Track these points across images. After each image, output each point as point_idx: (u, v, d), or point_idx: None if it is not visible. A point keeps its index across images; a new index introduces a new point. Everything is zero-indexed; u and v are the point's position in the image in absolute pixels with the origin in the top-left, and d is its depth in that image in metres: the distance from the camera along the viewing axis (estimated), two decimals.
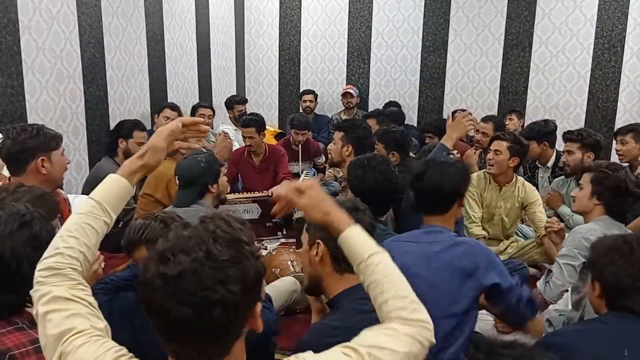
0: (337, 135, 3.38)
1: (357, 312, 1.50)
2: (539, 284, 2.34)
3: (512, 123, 5.50)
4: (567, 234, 2.53)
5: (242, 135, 4.44)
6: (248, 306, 0.97)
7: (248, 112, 5.35)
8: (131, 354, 1.06)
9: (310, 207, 1.39)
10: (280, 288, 2.71)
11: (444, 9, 6.49)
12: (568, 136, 3.71)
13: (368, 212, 1.75)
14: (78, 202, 3.13)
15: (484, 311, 2.05)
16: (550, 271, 2.32)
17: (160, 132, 1.42)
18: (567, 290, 2.36)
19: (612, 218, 2.36)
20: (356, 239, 1.32)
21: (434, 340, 1.18)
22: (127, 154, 3.83)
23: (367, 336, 1.11)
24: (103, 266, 1.90)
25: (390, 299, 1.21)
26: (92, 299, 1.15)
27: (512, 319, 1.98)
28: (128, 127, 3.80)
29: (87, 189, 3.68)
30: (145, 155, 1.38)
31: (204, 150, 3.32)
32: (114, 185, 1.32)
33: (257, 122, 4.36)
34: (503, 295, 1.86)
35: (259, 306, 1.00)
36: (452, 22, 6.49)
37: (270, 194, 3.97)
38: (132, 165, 1.36)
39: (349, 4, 6.70)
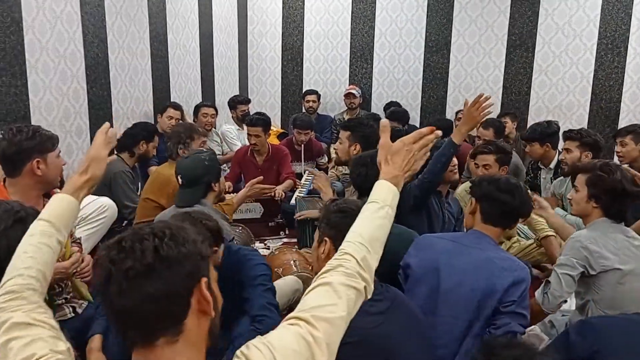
0: (344, 134, 3.37)
1: (365, 314, 1.50)
2: (537, 294, 2.28)
3: (507, 126, 5.45)
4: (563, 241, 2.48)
5: (248, 134, 4.44)
6: (190, 272, 1.01)
7: (251, 112, 5.37)
8: None
9: (384, 149, 1.46)
10: (282, 287, 2.71)
11: (447, 10, 6.50)
12: (567, 134, 3.69)
13: None
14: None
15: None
16: (548, 282, 2.27)
17: (97, 144, 1.52)
18: (565, 301, 2.32)
19: (610, 219, 2.33)
20: (377, 188, 1.40)
21: (370, 288, 1.22)
22: (144, 156, 3.84)
23: (309, 299, 1.15)
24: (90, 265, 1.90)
25: (353, 231, 1.30)
26: (53, 322, 1.15)
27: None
28: (152, 130, 3.89)
29: (98, 186, 3.68)
30: (89, 168, 1.47)
31: (204, 150, 3.32)
32: (62, 204, 1.39)
33: (264, 122, 4.40)
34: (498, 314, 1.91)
35: (204, 281, 1.03)
36: (455, 22, 6.49)
37: (272, 194, 3.97)
38: (76, 183, 1.44)
39: (352, 4, 6.71)
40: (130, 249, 0.98)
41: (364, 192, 2.53)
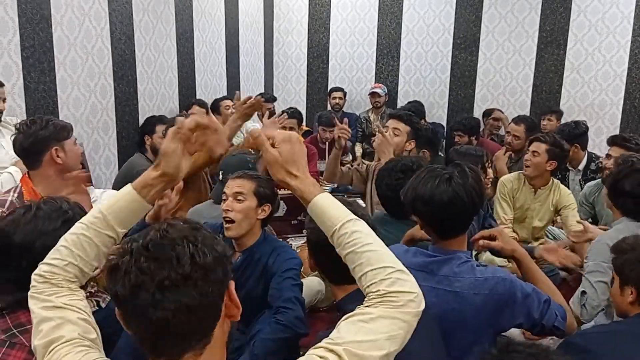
0: (404, 127, 3.30)
1: None
2: (574, 306, 2.16)
3: (550, 124, 5.28)
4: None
5: (283, 127, 4.42)
6: (221, 279, 0.97)
7: (276, 110, 5.35)
8: None
9: (275, 162, 1.20)
10: (305, 288, 2.69)
11: (476, 6, 6.39)
12: (622, 143, 3.38)
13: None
14: (106, 197, 3.17)
15: None
16: (584, 292, 2.17)
17: (166, 137, 1.25)
18: (603, 309, 2.20)
19: (631, 219, 2.28)
20: (324, 208, 1.17)
21: (420, 309, 1.11)
22: (154, 149, 3.89)
23: (343, 331, 1.05)
24: None
25: (369, 272, 1.12)
26: (85, 305, 1.15)
27: (540, 333, 1.83)
28: (151, 123, 3.97)
29: (119, 184, 3.74)
30: (160, 163, 1.22)
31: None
32: (125, 199, 1.21)
33: (299, 115, 4.79)
34: (528, 326, 1.69)
35: (232, 286, 1.00)
36: (484, 19, 6.38)
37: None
38: (147, 178, 1.21)
39: (379, 0, 6.65)
40: (164, 257, 0.91)
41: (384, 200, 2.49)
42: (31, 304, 1.13)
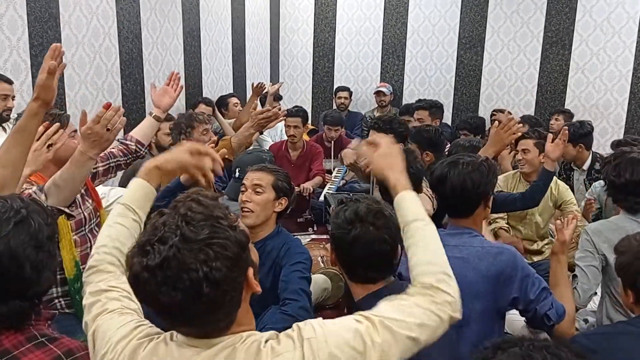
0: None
1: None
2: None
3: (557, 124, 5.26)
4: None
5: (287, 125, 4.46)
6: (239, 275, 1.01)
7: (282, 109, 5.39)
8: (150, 324, 1.15)
9: (377, 159, 1.45)
10: (311, 285, 2.71)
11: (481, 6, 6.40)
12: None
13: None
14: (114, 194, 3.20)
15: (513, 311, 2.00)
16: (575, 276, 2.24)
17: (182, 152, 1.46)
18: (595, 293, 2.29)
19: (628, 214, 2.31)
20: (407, 203, 1.34)
21: (457, 316, 1.18)
22: (158, 146, 3.91)
23: (382, 307, 1.14)
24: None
25: (420, 264, 1.23)
26: (126, 286, 1.21)
27: (534, 325, 1.93)
28: None
29: (125, 182, 3.76)
30: (160, 159, 1.45)
31: (267, 150, 3.38)
32: (134, 187, 1.41)
33: (304, 113, 4.63)
34: (522, 307, 1.83)
35: (251, 271, 1.04)
36: (490, 18, 6.39)
37: (300, 190, 3.98)
38: (148, 165, 1.44)
39: (385, 0, 6.66)
40: (176, 277, 0.95)
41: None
42: (85, 294, 1.26)
